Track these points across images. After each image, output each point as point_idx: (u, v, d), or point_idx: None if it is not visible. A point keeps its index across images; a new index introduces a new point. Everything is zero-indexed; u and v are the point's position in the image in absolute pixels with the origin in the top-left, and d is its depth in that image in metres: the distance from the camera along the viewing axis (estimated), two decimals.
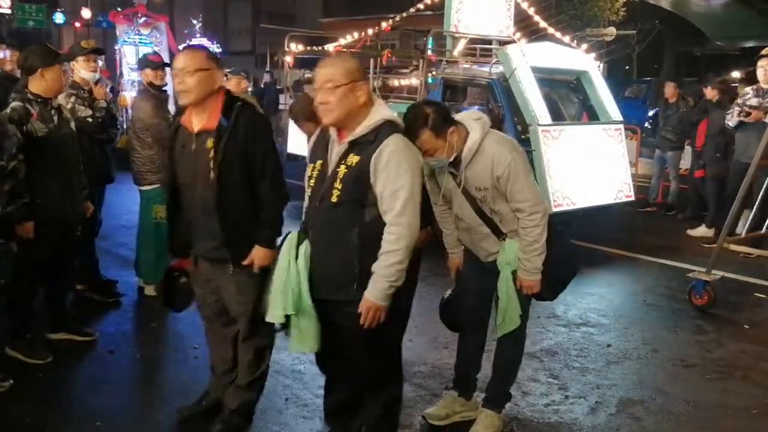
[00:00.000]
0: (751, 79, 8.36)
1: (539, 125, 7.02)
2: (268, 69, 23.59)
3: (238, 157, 3.36)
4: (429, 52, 8.27)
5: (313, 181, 3.13)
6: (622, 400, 4.32)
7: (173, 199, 3.62)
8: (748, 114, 7.32)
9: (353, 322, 3.01)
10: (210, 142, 3.38)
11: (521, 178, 3.42)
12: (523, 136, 7.10)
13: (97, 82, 5.61)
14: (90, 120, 5.32)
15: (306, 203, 3.21)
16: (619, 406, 4.25)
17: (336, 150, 3.05)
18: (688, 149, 10.17)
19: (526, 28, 10.70)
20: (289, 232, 3.22)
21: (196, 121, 3.45)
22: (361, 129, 2.98)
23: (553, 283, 3.62)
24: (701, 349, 5.24)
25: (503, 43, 8.80)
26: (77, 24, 26.99)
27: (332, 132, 3.10)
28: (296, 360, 4.68)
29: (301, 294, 3.06)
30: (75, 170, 4.58)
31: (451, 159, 3.45)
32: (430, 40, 8.83)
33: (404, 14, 11.08)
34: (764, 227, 6.42)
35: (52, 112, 4.43)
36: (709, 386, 4.60)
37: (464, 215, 3.61)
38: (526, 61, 7.28)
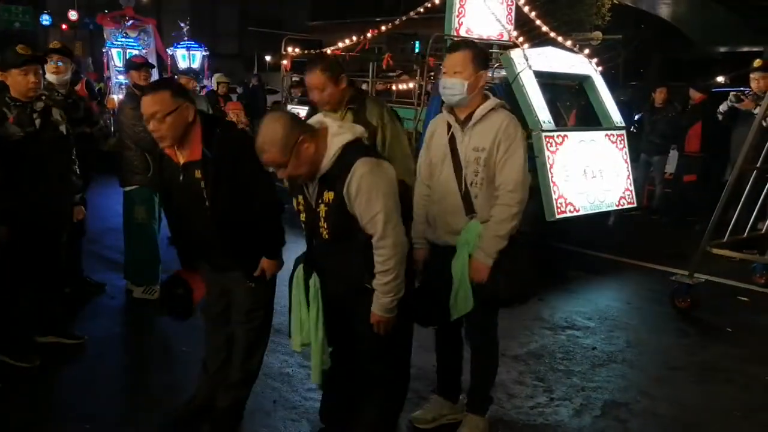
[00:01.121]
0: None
1: (543, 131, 6.95)
2: (255, 72, 23.60)
3: (227, 183, 3.37)
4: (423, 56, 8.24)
5: (302, 215, 3.25)
6: (607, 403, 4.37)
7: (172, 220, 3.73)
8: (740, 100, 7.38)
9: (367, 327, 3.18)
10: (198, 173, 3.39)
11: (519, 155, 3.48)
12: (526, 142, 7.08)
13: (76, 83, 5.59)
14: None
15: (305, 233, 3.33)
16: (604, 409, 4.30)
17: (311, 188, 3.14)
18: (673, 154, 10.27)
19: (528, 32, 10.69)
20: (298, 264, 3.37)
21: (180, 154, 3.45)
22: (325, 165, 3.05)
23: (497, 279, 3.51)
24: (685, 352, 5.31)
25: (504, 47, 8.79)
26: (64, 26, 26.87)
27: None
28: (284, 363, 4.71)
29: (312, 328, 3.28)
30: (60, 174, 4.56)
31: (465, 96, 3.48)
32: (417, 43, 8.83)
33: (403, 18, 11.03)
34: (746, 231, 6.49)
35: (34, 115, 4.39)
36: (692, 389, 4.66)
37: (444, 182, 3.60)
38: (529, 66, 7.24)
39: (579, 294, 6.55)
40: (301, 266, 3.31)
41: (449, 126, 3.62)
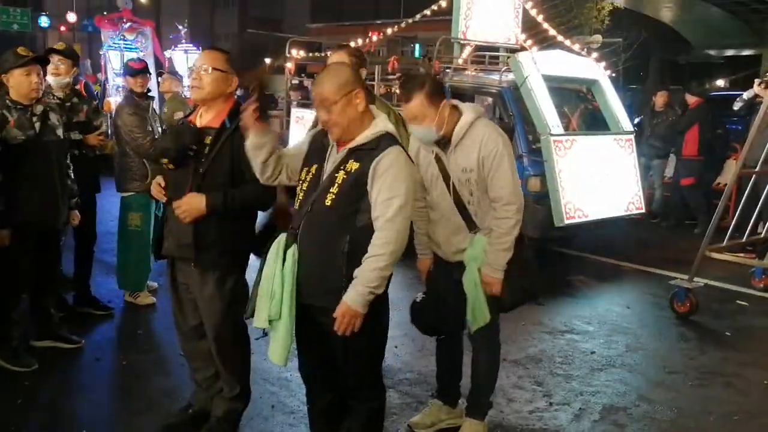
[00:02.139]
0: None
1: (551, 135, 6.90)
2: None
3: (228, 158, 3.42)
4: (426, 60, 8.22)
5: (305, 184, 3.10)
6: (606, 407, 4.35)
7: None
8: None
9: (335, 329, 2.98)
10: (208, 140, 3.44)
11: (505, 165, 3.46)
12: (534, 146, 7.04)
13: (75, 84, 5.54)
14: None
15: (296, 206, 3.17)
16: (602, 413, 4.28)
17: (334, 157, 3.04)
18: (672, 157, 10.27)
19: (535, 35, 10.67)
20: (277, 234, 3.16)
21: (201, 118, 3.53)
22: (362, 138, 2.98)
23: (513, 290, 3.58)
24: (684, 356, 5.30)
25: (511, 50, 8.76)
26: (62, 28, 26.88)
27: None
28: (282, 368, 4.67)
29: (283, 301, 3.02)
30: (58, 177, 4.54)
31: (440, 134, 3.48)
32: (418, 46, 8.81)
33: (410, 21, 10.97)
34: (745, 236, 6.49)
35: (34, 119, 4.37)
36: (691, 393, 4.65)
37: (441, 204, 3.61)
38: (538, 69, 7.19)
39: (578, 298, 6.54)
40: (283, 236, 3.10)
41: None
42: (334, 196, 2.95)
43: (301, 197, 3.11)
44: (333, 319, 2.93)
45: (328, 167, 3.03)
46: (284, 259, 3.04)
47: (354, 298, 2.89)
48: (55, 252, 4.75)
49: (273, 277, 3.04)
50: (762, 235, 6.69)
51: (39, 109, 4.42)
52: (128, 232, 5.73)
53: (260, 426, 3.97)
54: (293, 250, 3.03)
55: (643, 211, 7.93)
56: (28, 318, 4.73)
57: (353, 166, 2.94)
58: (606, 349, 5.33)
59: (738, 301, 6.56)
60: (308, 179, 3.09)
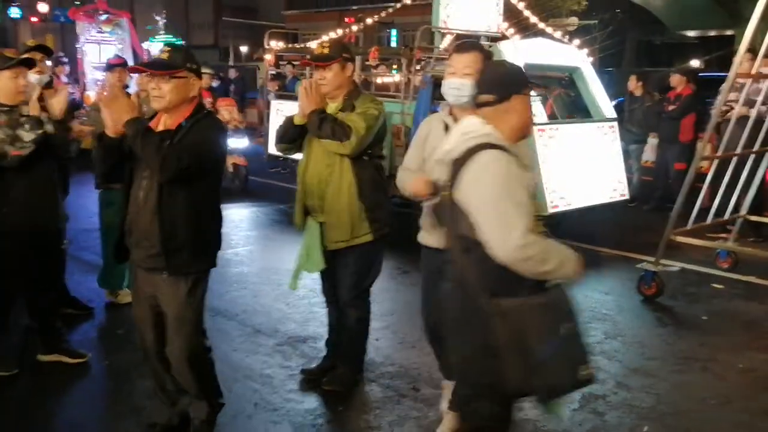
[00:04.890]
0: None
1: (534, 124, 6.92)
2: (232, 64, 23.44)
3: (187, 150, 3.27)
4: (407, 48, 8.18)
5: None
6: (585, 395, 4.40)
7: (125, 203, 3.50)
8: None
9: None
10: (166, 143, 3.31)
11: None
12: None
13: (48, 85, 5.47)
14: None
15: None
16: (581, 402, 4.33)
17: None
18: (652, 142, 10.34)
19: (517, 23, 10.65)
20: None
21: (162, 123, 3.44)
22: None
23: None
24: (662, 341, 5.38)
25: (492, 39, 8.76)
26: (34, 19, 26.41)
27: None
28: (265, 364, 4.71)
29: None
30: (50, 177, 4.51)
31: (465, 97, 3.47)
32: (394, 32, 8.75)
33: (389, 9, 10.87)
34: (709, 217, 6.58)
35: (22, 119, 4.30)
36: (669, 379, 4.72)
37: None
38: (520, 58, 7.13)
39: None
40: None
41: (446, 126, 3.63)
42: None
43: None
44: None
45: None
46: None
47: None
48: (54, 258, 4.71)
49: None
50: (726, 217, 6.78)
51: (26, 109, 4.36)
52: (104, 230, 5.69)
53: (244, 424, 3.98)
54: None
55: (627, 197, 8.02)
56: (36, 331, 4.64)
57: None
58: (584, 336, 5.37)
59: (713, 285, 6.65)
60: None
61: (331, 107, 4.08)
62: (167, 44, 3.59)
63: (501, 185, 2.55)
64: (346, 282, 4.23)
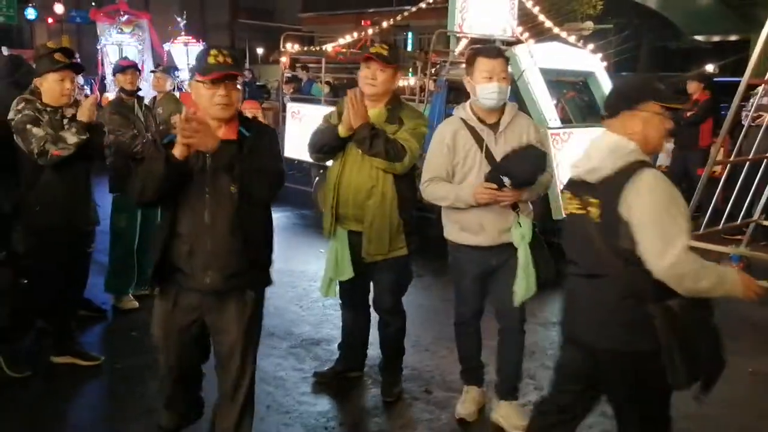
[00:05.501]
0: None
1: (549, 128, 6.88)
2: (248, 66, 23.53)
3: (258, 159, 3.06)
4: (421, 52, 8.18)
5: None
6: None
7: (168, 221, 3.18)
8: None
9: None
10: (229, 154, 3.00)
11: (549, 151, 3.76)
12: None
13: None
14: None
15: None
16: None
17: None
18: (667, 146, 10.29)
19: (532, 27, 10.63)
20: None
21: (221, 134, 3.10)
22: None
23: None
24: None
25: (507, 43, 8.76)
26: (50, 20, 26.58)
27: None
28: (278, 367, 4.74)
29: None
30: (87, 179, 4.62)
31: (504, 100, 3.74)
32: (410, 35, 8.74)
33: (405, 13, 10.86)
34: (721, 223, 6.55)
35: (64, 121, 4.39)
36: None
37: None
38: (535, 62, 7.16)
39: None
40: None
41: (471, 130, 3.72)
42: None
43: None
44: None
45: None
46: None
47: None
48: (83, 258, 4.76)
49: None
50: (738, 222, 6.75)
51: (70, 112, 4.45)
52: (114, 234, 5.74)
53: (256, 426, 3.94)
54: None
55: None
56: (50, 333, 4.68)
57: None
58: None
59: None
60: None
61: (372, 113, 3.92)
62: None
63: (666, 204, 2.67)
64: (385, 296, 4.22)
